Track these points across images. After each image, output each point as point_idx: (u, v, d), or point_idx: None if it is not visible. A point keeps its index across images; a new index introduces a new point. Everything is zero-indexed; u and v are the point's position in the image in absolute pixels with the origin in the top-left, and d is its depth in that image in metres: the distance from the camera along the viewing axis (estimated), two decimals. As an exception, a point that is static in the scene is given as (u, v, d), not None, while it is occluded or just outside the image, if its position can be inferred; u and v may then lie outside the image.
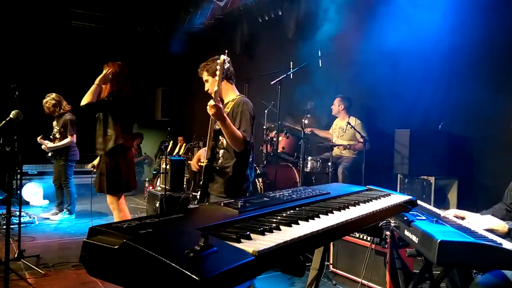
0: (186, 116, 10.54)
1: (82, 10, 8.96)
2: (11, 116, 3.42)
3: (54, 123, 6.26)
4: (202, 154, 3.09)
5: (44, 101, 6.13)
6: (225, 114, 2.71)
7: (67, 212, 6.35)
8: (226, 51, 2.79)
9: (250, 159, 3.06)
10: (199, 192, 2.91)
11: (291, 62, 5.29)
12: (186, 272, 0.88)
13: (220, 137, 2.94)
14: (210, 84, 3.04)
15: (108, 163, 4.08)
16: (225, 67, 2.72)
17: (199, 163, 3.04)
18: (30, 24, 8.54)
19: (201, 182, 2.91)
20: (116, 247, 1.00)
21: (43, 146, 6.11)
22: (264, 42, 7.78)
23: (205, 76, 3.09)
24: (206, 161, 2.90)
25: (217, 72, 2.66)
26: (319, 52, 5.31)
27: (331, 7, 5.73)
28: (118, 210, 4.15)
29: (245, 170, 2.98)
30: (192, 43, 9.36)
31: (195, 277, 0.86)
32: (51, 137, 6.20)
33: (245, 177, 2.98)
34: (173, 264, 0.90)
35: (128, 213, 4.25)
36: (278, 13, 6.99)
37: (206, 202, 2.96)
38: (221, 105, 2.67)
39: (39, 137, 6.14)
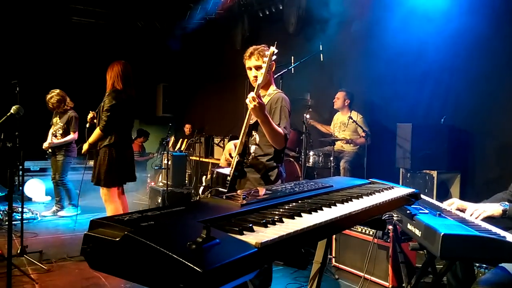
0: (187, 112, 10.54)
1: (83, 5, 8.93)
2: (11, 111, 3.41)
3: (56, 119, 6.23)
4: (231, 148, 2.92)
5: (49, 96, 6.11)
6: (265, 112, 2.53)
7: (73, 207, 6.36)
8: (276, 42, 2.60)
9: (283, 155, 2.91)
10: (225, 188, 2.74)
11: (292, 57, 5.26)
12: (189, 263, 0.87)
13: (253, 132, 2.81)
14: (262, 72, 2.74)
15: (102, 157, 4.17)
16: (273, 59, 2.55)
17: (227, 158, 2.89)
18: (31, 20, 8.52)
19: (228, 178, 2.76)
20: (117, 239, 0.99)
21: (45, 143, 6.09)
22: (265, 37, 7.74)
23: (260, 62, 2.78)
24: (238, 156, 2.75)
25: (263, 65, 2.51)
26: (321, 46, 5.28)
27: (332, 0, 5.70)
28: (110, 202, 4.21)
29: (278, 167, 2.83)
30: (192, 38, 9.33)
31: (197, 268, 0.85)
32: (52, 133, 6.16)
33: (278, 173, 2.82)
34: (175, 256, 0.89)
35: (121, 208, 4.28)
36: (279, 7, 6.97)
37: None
38: (263, 101, 2.52)
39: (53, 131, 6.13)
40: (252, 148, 2.82)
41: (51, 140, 6.06)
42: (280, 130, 2.66)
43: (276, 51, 2.50)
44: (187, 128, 9.37)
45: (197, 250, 0.93)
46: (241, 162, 2.76)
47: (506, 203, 2.37)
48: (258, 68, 2.80)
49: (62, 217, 6.25)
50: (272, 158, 2.79)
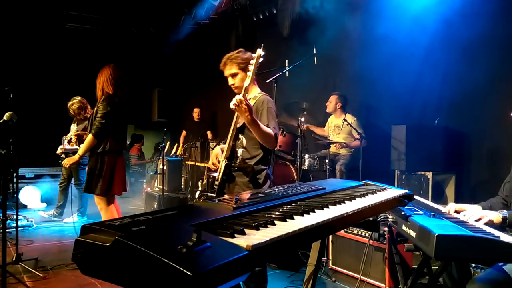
0: (183, 117, 10.53)
1: (77, 12, 8.93)
2: (4, 118, 3.40)
3: (73, 126, 6.23)
4: (218, 153, 2.93)
5: (70, 103, 6.11)
6: (253, 113, 2.53)
7: (79, 214, 6.34)
8: (263, 45, 2.60)
9: (270, 158, 2.92)
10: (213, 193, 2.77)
11: (287, 60, 5.28)
12: (179, 267, 0.87)
13: (240, 136, 2.82)
14: (240, 79, 2.80)
15: (94, 163, 4.09)
16: (260, 61, 2.55)
17: (214, 163, 2.91)
18: (25, 27, 8.51)
19: (216, 182, 2.76)
20: (108, 244, 0.99)
21: (60, 148, 6.07)
22: (259, 41, 7.73)
23: (234, 69, 2.82)
24: (226, 160, 2.76)
25: (251, 67, 2.52)
26: (314, 49, 5.29)
27: (326, 4, 5.72)
28: (105, 210, 4.14)
29: (266, 169, 2.84)
30: (187, 43, 9.35)
31: (187, 272, 0.86)
32: (65, 138, 6.14)
33: (265, 176, 2.83)
34: (166, 260, 0.89)
35: (116, 214, 4.22)
36: (273, 11, 6.99)
37: None
38: (250, 103, 2.53)
39: (65, 136, 6.10)
40: (240, 151, 2.83)
41: (64, 145, 6.05)
42: (269, 130, 2.68)
43: (262, 53, 2.52)
44: (195, 112, 8.86)
45: (188, 253, 0.93)
46: (229, 165, 2.76)
47: (505, 211, 2.38)
48: (234, 75, 2.82)
49: (56, 225, 6.21)
50: (260, 161, 2.80)
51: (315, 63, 5.35)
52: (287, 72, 5.17)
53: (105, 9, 9.02)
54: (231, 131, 2.78)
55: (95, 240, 1.03)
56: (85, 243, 1.04)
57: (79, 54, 8.93)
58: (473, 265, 3.37)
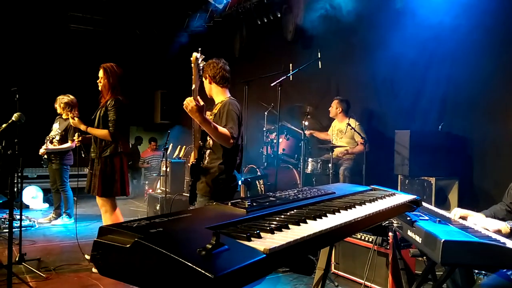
0: (185, 119, 10.54)
1: (81, 13, 8.97)
2: (13, 118, 3.41)
3: (55, 125, 6.19)
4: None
5: (61, 97, 6.04)
6: (202, 114, 2.72)
7: (67, 216, 6.31)
8: (200, 48, 2.79)
9: (238, 161, 3.08)
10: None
11: (291, 64, 5.30)
12: (200, 269, 0.88)
13: (208, 137, 2.98)
14: (207, 88, 3.19)
15: (104, 166, 4.00)
16: (199, 63, 2.74)
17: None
18: (30, 28, 8.54)
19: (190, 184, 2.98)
20: (127, 246, 1.00)
21: (42, 148, 6.03)
22: (263, 44, 7.80)
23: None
24: (194, 161, 2.97)
25: (193, 72, 2.72)
26: (319, 53, 5.31)
27: (330, 8, 5.74)
28: (110, 213, 4.07)
29: (231, 171, 3.01)
30: (191, 45, 9.37)
31: (208, 274, 0.87)
32: (48, 138, 6.10)
33: (230, 177, 3.00)
34: (186, 262, 0.90)
35: (121, 216, 4.18)
36: (277, 15, 7.01)
37: (194, 203, 3.01)
38: (200, 103, 2.70)
39: (48, 136, 6.06)
40: (207, 152, 3.02)
41: (46, 145, 6.01)
42: (223, 129, 2.83)
43: (198, 56, 2.71)
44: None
45: (207, 256, 0.94)
46: (196, 166, 2.96)
47: None
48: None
49: (56, 225, 6.20)
50: (224, 162, 2.96)
51: (319, 67, 5.37)
52: (291, 76, 5.20)
53: (109, 11, 9.05)
54: (194, 132, 2.98)
55: (114, 242, 1.04)
56: (104, 244, 1.05)
57: (84, 56, 8.95)
58: (476, 271, 3.37)
